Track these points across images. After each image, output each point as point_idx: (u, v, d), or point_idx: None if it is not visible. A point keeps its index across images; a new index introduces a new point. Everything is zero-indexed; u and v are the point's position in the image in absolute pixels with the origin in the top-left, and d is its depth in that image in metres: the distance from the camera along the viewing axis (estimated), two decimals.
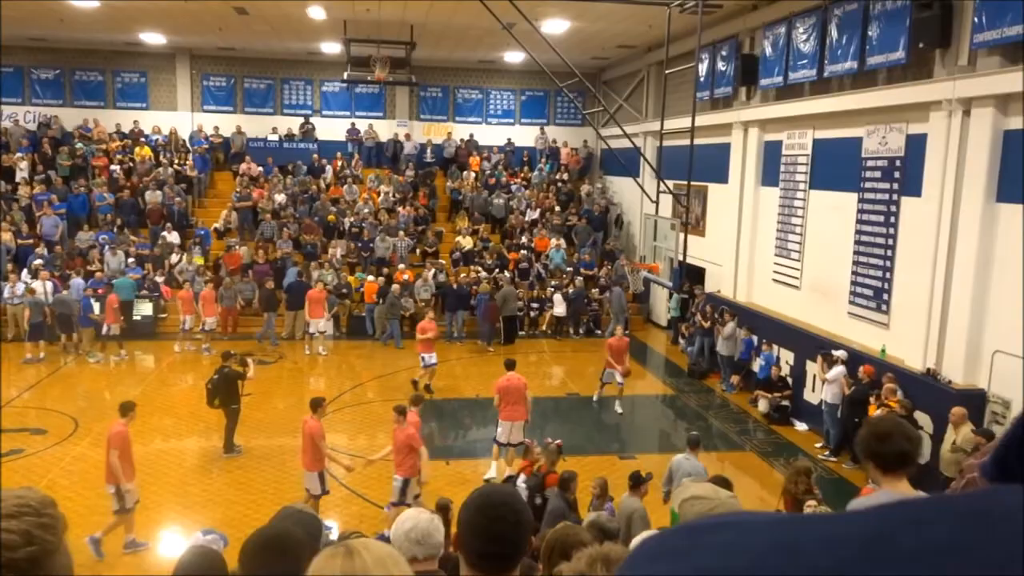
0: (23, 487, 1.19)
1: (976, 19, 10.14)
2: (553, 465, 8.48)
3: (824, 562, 0.38)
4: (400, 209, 22.69)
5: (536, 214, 23.31)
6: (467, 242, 21.89)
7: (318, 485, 9.34)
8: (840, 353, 12.31)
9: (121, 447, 8.65)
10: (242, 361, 12.11)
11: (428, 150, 25.48)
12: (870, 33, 12.26)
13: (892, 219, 12.22)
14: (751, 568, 0.39)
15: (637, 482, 7.64)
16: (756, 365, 14.93)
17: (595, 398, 14.59)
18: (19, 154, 22.13)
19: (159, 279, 19.07)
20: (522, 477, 8.68)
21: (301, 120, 25.37)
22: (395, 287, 18.62)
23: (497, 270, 20.67)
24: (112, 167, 22.65)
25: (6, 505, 1.06)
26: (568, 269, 20.93)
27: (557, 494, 7.74)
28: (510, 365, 11.32)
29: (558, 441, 9.01)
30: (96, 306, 17.00)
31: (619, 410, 14.02)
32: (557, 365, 17.69)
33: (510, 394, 10.80)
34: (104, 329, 16.76)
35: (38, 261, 18.46)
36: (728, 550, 0.40)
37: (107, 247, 19.64)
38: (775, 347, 14.53)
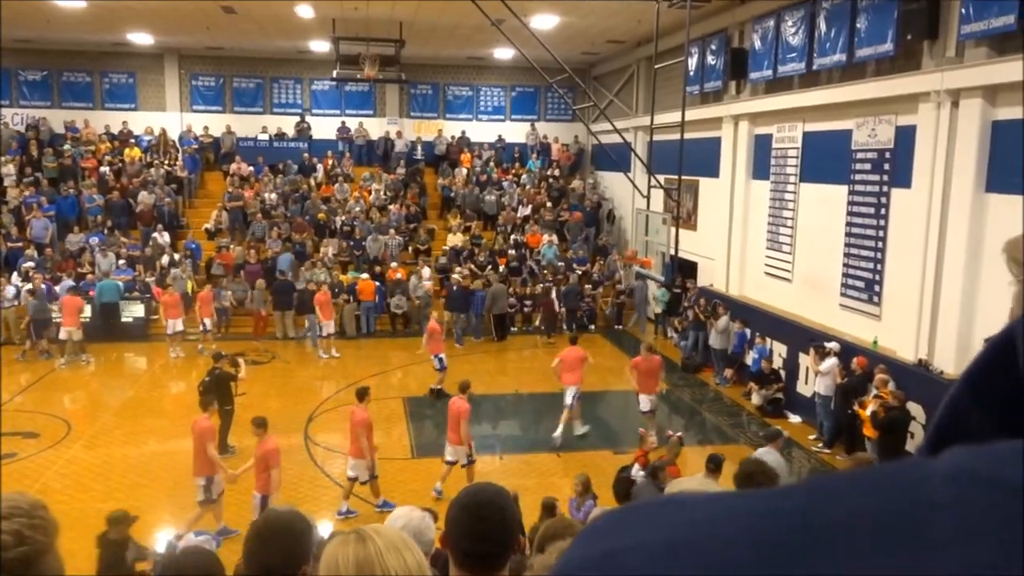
0: (14, 492, 1.20)
1: (963, 10, 10.16)
2: (675, 457, 8.56)
3: (744, 537, 0.39)
4: (392, 207, 22.65)
5: (528, 210, 23.31)
6: (458, 239, 21.86)
7: (365, 472, 9.75)
8: (833, 345, 12.35)
9: (212, 439, 9.27)
10: (233, 362, 12.07)
11: (419, 147, 25.44)
12: (858, 25, 12.28)
13: (882, 211, 12.26)
14: (688, 540, 0.40)
15: (718, 465, 7.51)
16: (749, 358, 14.96)
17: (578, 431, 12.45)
18: (7, 156, 22.01)
19: (150, 280, 18.97)
20: (636, 467, 8.71)
21: (296, 119, 25.27)
22: (497, 286, 18.90)
23: (489, 267, 20.67)
24: (102, 168, 22.54)
25: None
26: (559, 264, 20.94)
27: (648, 483, 7.76)
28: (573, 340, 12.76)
29: (679, 434, 9.08)
30: (133, 308, 17.08)
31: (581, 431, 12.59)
32: (550, 361, 17.65)
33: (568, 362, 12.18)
34: (62, 333, 16.30)
35: (29, 263, 18.37)
36: (670, 525, 0.42)
37: (97, 249, 19.55)
38: (768, 340, 14.56)
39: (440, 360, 14.34)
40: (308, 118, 25.46)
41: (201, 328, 17.27)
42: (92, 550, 7.17)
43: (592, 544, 0.43)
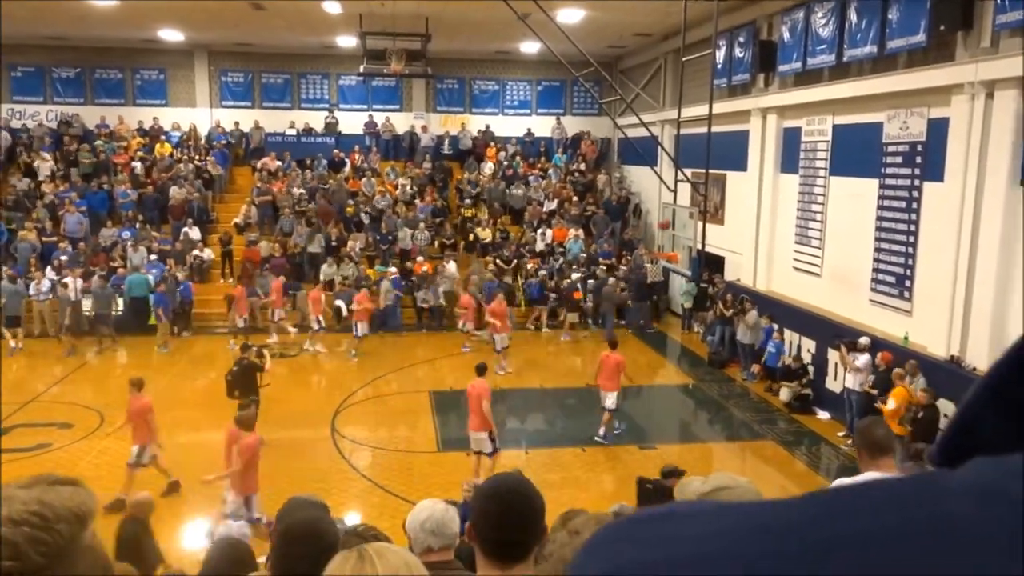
0: (67, 487, 1.02)
1: (998, 0, 9.96)
2: None
3: (751, 552, 0.38)
4: (418, 201, 22.74)
5: (554, 204, 23.27)
6: (485, 234, 21.89)
7: (488, 444, 10.07)
8: (865, 340, 12.19)
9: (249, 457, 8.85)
10: (259, 353, 12.23)
11: (445, 142, 25.49)
12: (890, 16, 12.08)
13: (914, 205, 12.07)
14: (687, 559, 0.39)
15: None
16: (766, 354, 14.86)
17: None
18: (42, 152, 22.43)
19: (181, 275, 19.20)
20: None
21: (325, 113, 25.45)
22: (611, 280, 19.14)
23: (515, 262, 20.68)
24: (133, 164, 22.88)
25: (17, 507, 0.95)
26: (582, 255, 20.86)
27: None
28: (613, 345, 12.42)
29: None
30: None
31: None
32: (576, 356, 17.67)
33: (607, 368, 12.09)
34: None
35: (62, 257, 18.68)
36: (669, 542, 0.40)
37: (129, 243, 19.85)
38: (795, 335, 14.41)
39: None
40: (336, 113, 25.61)
41: (241, 324, 17.44)
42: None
43: (594, 561, 0.42)
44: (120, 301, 17.98)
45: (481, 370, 10.49)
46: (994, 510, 0.35)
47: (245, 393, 11.51)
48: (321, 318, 17.36)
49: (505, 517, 2.16)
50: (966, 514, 0.36)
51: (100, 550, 1.06)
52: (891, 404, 10.60)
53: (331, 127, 25.24)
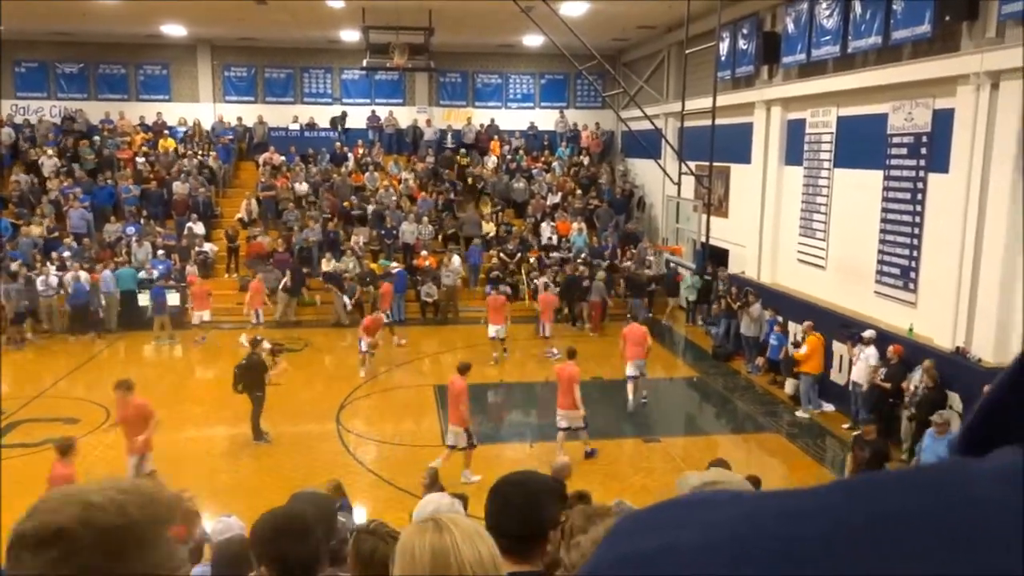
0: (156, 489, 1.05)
1: None
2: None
3: (782, 534, 0.38)
4: (423, 195, 22.75)
5: (557, 198, 23.25)
6: (488, 228, 21.89)
7: (463, 439, 10.43)
8: (870, 333, 12.17)
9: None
10: (274, 350, 12.26)
11: (448, 136, 25.46)
12: (894, 7, 12.03)
13: (919, 196, 12.04)
14: (723, 542, 0.39)
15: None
16: (769, 347, 14.85)
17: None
18: (47, 148, 22.47)
19: (189, 269, 19.23)
20: None
21: (328, 108, 25.47)
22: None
23: (519, 255, 20.67)
24: (137, 159, 22.91)
25: (120, 484, 1.01)
26: (584, 253, 20.83)
27: None
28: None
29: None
30: (170, 296, 17.81)
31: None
32: (582, 348, 17.63)
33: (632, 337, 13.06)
34: (194, 318, 17.58)
35: (66, 253, 18.72)
36: (703, 525, 0.41)
37: (134, 239, 19.89)
38: (795, 325, 14.41)
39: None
40: (337, 107, 25.59)
41: (256, 319, 17.44)
42: None
43: (624, 545, 0.43)
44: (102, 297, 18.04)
45: (463, 368, 10.60)
46: (1021, 491, 0.36)
47: (249, 388, 11.55)
48: (258, 312, 17.44)
49: (503, 513, 2.25)
50: (995, 498, 0.36)
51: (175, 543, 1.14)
52: (803, 350, 12.80)
53: (340, 125, 25.16)
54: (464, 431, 10.41)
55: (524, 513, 2.26)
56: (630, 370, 13.10)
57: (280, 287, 18.69)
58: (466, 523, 1.69)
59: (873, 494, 0.38)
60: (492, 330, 15.89)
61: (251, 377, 11.54)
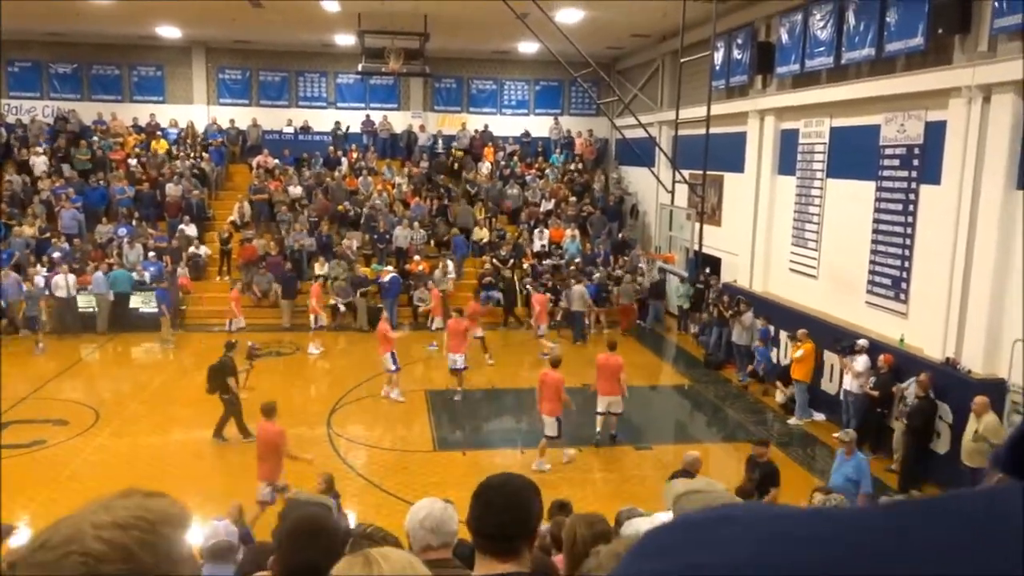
0: (159, 496, 1.04)
1: (996, 4, 9.99)
2: None
3: (816, 559, 0.37)
4: (417, 200, 22.73)
5: (551, 204, 23.27)
6: (482, 234, 21.89)
7: (555, 428, 10.78)
8: (863, 342, 12.21)
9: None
10: (251, 354, 12.34)
11: (439, 142, 25.45)
12: (888, 19, 12.12)
13: (911, 207, 12.11)
14: (747, 564, 0.38)
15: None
16: (753, 360, 14.93)
17: None
18: (39, 148, 22.36)
19: (181, 271, 19.15)
20: None
21: (322, 111, 25.43)
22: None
23: (512, 261, 20.68)
24: (130, 160, 22.82)
25: (122, 513, 0.95)
26: (577, 260, 20.85)
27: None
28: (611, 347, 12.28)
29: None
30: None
31: None
32: (572, 356, 17.63)
33: (606, 370, 11.80)
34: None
35: (56, 254, 18.62)
36: (726, 545, 0.40)
37: (126, 240, 19.81)
38: (776, 342, 14.52)
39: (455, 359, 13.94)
40: (331, 111, 25.53)
41: (230, 326, 17.48)
42: None
43: (646, 563, 0.42)
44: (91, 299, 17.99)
45: (555, 363, 11.23)
46: None
47: (215, 390, 11.57)
48: (322, 315, 17.51)
49: (486, 516, 2.31)
50: None
51: (195, 557, 1.10)
52: (800, 353, 12.90)
53: (338, 134, 25.10)
54: (555, 420, 10.72)
55: (506, 513, 2.31)
56: (600, 406, 11.84)
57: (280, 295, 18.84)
58: (397, 556, 1.68)
59: (913, 522, 0.38)
60: (451, 360, 13.89)
61: (216, 380, 11.57)
